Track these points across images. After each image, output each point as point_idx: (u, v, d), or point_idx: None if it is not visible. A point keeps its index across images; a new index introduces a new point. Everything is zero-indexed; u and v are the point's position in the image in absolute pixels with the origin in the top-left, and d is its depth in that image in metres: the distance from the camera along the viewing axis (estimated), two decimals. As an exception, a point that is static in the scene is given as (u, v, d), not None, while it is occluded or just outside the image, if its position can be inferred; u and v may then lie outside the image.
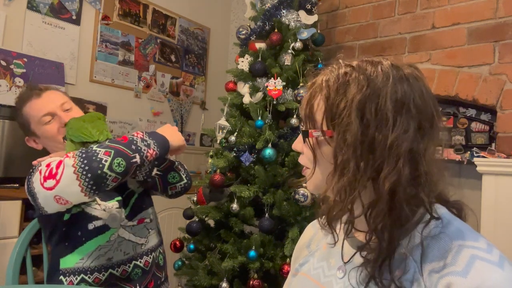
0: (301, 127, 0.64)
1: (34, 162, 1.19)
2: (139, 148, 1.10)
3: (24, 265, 1.31)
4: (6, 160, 1.89)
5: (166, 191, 1.38)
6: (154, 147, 1.14)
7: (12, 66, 2.09)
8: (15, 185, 1.89)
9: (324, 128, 0.63)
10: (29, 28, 2.22)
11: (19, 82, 2.11)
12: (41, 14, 2.27)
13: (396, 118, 0.58)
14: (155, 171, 1.34)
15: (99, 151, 1.03)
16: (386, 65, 0.62)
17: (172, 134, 1.23)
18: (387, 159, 0.58)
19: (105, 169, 1.01)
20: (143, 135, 1.14)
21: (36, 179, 1.07)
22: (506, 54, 1.90)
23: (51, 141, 1.26)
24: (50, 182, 1.03)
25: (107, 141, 1.10)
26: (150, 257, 1.28)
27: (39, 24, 2.26)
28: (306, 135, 0.65)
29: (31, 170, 1.14)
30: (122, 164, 1.04)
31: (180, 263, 1.89)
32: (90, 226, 1.17)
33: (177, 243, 1.87)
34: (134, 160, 1.07)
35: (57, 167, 1.03)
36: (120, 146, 1.06)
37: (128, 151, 1.07)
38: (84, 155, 1.02)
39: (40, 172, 1.07)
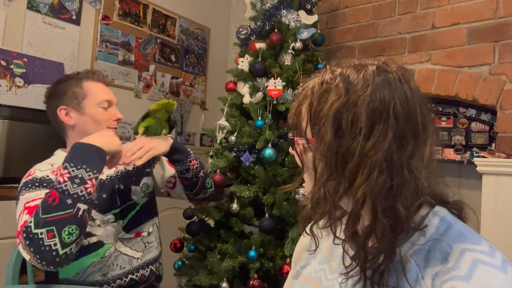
0: (289, 134, 0.66)
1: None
2: (75, 196, 0.96)
3: (24, 265, 1.31)
4: (6, 160, 1.89)
5: (198, 194, 1.43)
6: (90, 174, 1.00)
7: (12, 66, 2.09)
8: (15, 185, 1.89)
9: (309, 136, 0.63)
10: (29, 28, 2.22)
11: (19, 82, 2.11)
12: (41, 14, 2.26)
13: (372, 127, 0.57)
14: (201, 173, 1.39)
15: (42, 235, 0.92)
16: (370, 70, 0.61)
17: (104, 138, 1.09)
18: (362, 169, 0.57)
19: (61, 252, 0.93)
20: (68, 172, 0.98)
21: (18, 211, 1.08)
22: (506, 54, 1.90)
23: (94, 124, 1.24)
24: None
25: (40, 212, 0.95)
26: (147, 270, 1.27)
27: (39, 24, 2.26)
28: (292, 142, 0.67)
29: (22, 185, 1.13)
30: (72, 229, 0.94)
31: (180, 263, 1.89)
32: (85, 243, 1.16)
33: (177, 243, 1.87)
34: (79, 213, 0.96)
35: (19, 230, 1.00)
36: (57, 214, 0.93)
37: (67, 211, 0.94)
38: (32, 248, 0.92)
39: (19, 216, 1.07)
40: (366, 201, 0.57)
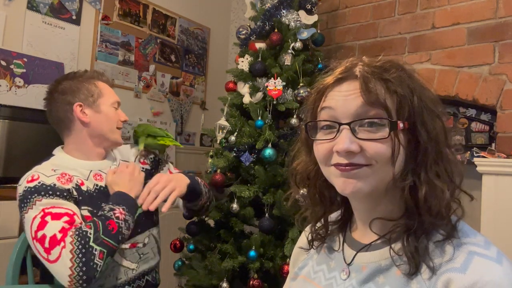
0: (375, 120, 0.59)
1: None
2: (124, 236, 1.12)
3: (24, 265, 1.30)
4: (6, 160, 1.89)
5: (198, 214, 1.50)
6: (131, 224, 1.16)
7: (12, 66, 2.09)
8: (15, 185, 1.88)
9: (395, 119, 0.60)
10: (29, 28, 2.22)
11: (19, 82, 2.11)
12: (41, 14, 2.26)
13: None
14: (207, 203, 1.43)
15: (96, 251, 1.03)
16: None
17: (137, 185, 1.24)
18: (447, 149, 0.62)
19: (97, 274, 1.03)
20: (124, 214, 1.14)
21: (28, 221, 1.06)
22: (506, 54, 1.90)
23: (108, 123, 1.27)
24: (41, 250, 1.03)
25: (101, 231, 1.07)
26: (142, 281, 1.26)
27: (39, 24, 2.26)
28: (395, 126, 0.58)
29: (32, 190, 1.09)
30: (109, 260, 1.08)
31: (180, 263, 1.89)
32: None
33: (177, 243, 1.87)
34: (115, 251, 1.11)
35: (52, 245, 1.01)
36: (111, 242, 1.07)
37: (116, 244, 1.09)
38: (84, 259, 1.01)
39: (33, 220, 1.05)
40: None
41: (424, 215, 0.59)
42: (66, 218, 1.06)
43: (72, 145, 1.26)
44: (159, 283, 1.37)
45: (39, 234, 1.03)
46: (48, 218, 1.04)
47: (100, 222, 1.08)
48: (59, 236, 1.02)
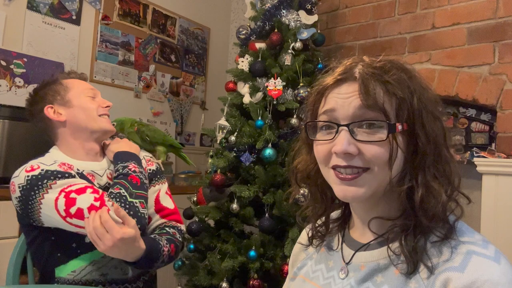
0: (374, 122, 0.59)
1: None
2: (147, 185, 1.22)
3: (24, 265, 1.30)
4: (6, 160, 1.89)
5: None
6: (146, 174, 1.25)
7: (12, 66, 2.09)
8: (15, 185, 1.89)
9: (394, 121, 0.59)
10: (29, 28, 2.22)
11: (19, 82, 2.11)
12: (41, 14, 2.27)
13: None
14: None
15: (137, 204, 1.13)
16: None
17: (131, 147, 1.32)
18: (446, 150, 0.62)
19: (147, 222, 1.15)
20: (137, 167, 1.22)
21: (50, 204, 1.04)
22: (506, 54, 1.90)
23: (85, 114, 1.21)
24: (82, 223, 1.04)
25: (130, 187, 1.14)
26: (140, 282, 1.25)
27: (39, 24, 2.26)
28: (393, 129, 0.58)
29: (40, 177, 1.07)
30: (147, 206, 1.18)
31: (180, 263, 1.89)
32: (87, 239, 1.11)
33: (177, 243, 1.87)
34: (148, 198, 1.20)
35: (94, 206, 1.05)
36: (143, 192, 1.17)
37: (146, 193, 1.19)
38: (131, 212, 1.09)
39: (57, 201, 1.04)
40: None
41: (420, 217, 0.59)
42: (90, 190, 1.08)
43: (62, 147, 1.24)
44: (156, 287, 1.37)
45: (73, 210, 1.04)
46: (73, 195, 1.05)
47: (123, 181, 1.15)
48: (97, 204, 1.05)
